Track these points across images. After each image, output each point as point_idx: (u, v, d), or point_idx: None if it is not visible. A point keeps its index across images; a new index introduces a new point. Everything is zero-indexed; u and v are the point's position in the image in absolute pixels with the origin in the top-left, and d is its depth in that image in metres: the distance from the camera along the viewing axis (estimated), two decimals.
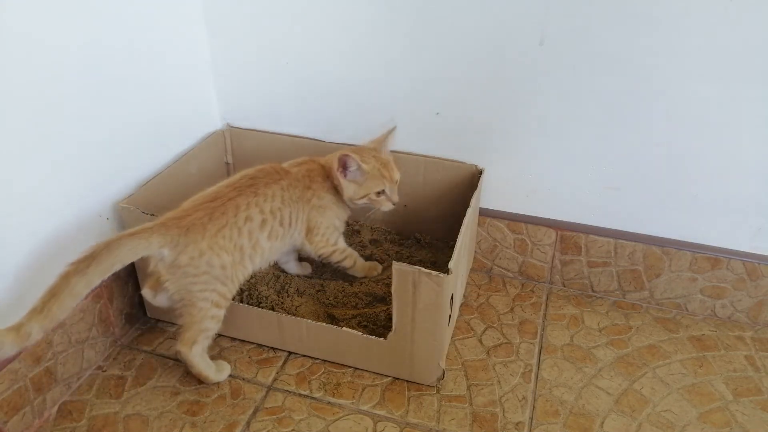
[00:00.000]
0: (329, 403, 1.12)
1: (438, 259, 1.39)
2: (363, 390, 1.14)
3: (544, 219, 1.36)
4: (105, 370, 1.18)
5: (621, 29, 1.12)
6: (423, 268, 1.01)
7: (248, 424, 1.08)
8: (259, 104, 1.46)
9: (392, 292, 1.05)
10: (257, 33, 1.36)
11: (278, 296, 1.28)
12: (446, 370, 1.16)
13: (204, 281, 1.04)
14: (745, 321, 1.31)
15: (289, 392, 1.14)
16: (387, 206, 1.23)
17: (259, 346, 1.23)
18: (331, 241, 1.25)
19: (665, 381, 1.17)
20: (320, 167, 1.23)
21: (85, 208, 1.13)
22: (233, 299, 1.14)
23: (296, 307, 1.26)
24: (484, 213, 1.39)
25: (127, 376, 1.17)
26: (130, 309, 1.27)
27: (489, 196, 1.37)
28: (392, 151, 1.37)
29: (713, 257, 1.26)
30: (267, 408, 1.11)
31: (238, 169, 1.46)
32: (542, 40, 1.17)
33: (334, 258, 1.28)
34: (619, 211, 1.30)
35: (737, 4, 1.04)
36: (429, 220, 1.44)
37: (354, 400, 1.12)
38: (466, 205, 1.19)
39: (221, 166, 1.51)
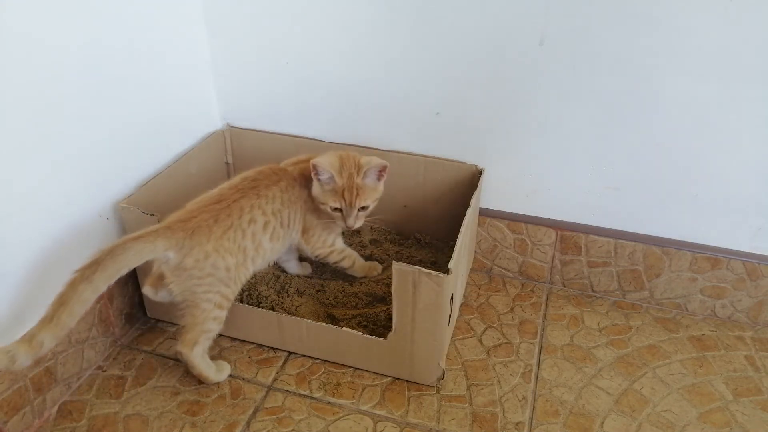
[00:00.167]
0: (329, 403, 1.12)
1: (438, 259, 1.39)
2: (363, 390, 1.14)
3: (544, 219, 1.36)
4: (105, 370, 1.18)
5: (621, 29, 1.12)
6: (423, 268, 1.01)
7: (248, 424, 1.08)
8: (259, 104, 1.46)
9: (392, 292, 1.05)
10: (257, 33, 1.36)
11: (278, 296, 1.28)
12: (446, 370, 1.16)
13: (208, 283, 1.04)
14: (745, 321, 1.31)
15: (289, 392, 1.14)
16: (341, 225, 1.18)
17: (259, 346, 1.23)
18: (328, 242, 1.25)
19: (665, 381, 1.17)
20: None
21: (85, 208, 1.13)
22: (234, 300, 1.14)
23: (296, 307, 1.26)
24: (484, 213, 1.39)
25: (127, 376, 1.17)
26: (130, 309, 1.27)
27: (489, 196, 1.37)
28: (392, 152, 1.37)
29: (713, 257, 1.27)
30: (267, 408, 1.11)
31: (238, 169, 1.47)
32: (542, 40, 1.17)
33: (332, 258, 1.28)
34: (619, 211, 1.30)
35: (737, 4, 1.04)
36: (429, 220, 1.44)
37: (354, 400, 1.12)
38: (466, 205, 1.19)
39: (221, 166, 1.51)
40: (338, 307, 1.27)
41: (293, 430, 1.07)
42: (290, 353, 1.22)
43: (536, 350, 1.24)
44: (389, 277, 1.08)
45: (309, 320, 1.16)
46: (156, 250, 0.98)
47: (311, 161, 1.12)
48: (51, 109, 1.02)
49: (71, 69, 1.04)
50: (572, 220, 1.34)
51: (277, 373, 1.18)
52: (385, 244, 1.45)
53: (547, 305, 1.36)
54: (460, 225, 1.13)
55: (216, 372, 1.14)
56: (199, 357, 1.10)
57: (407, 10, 1.23)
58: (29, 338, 0.87)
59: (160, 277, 1.07)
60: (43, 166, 1.02)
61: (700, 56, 1.10)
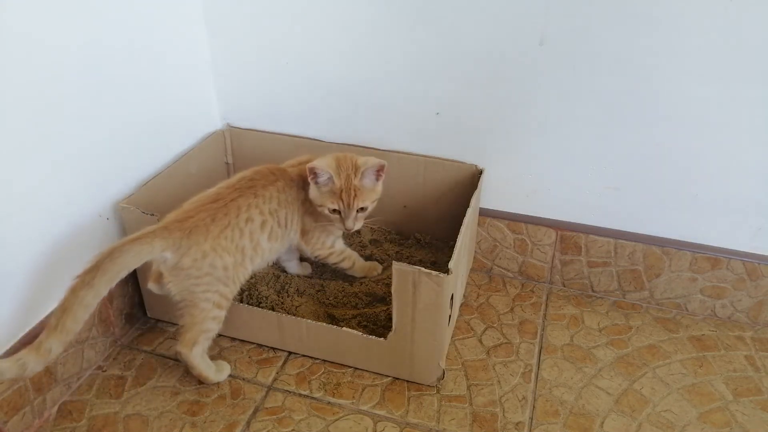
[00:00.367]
0: (329, 403, 1.12)
1: (438, 259, 1.39)
2: (363, 390, 1.14)
3: (544, 219, 1.36)
4: (105, 370, 1.18)
5: (621, 29, 1.12)
6: (423, 268, 1.01)
7: (248, 424, 1.08)
8: (259, 104, 1.46)
9: (392, 292, 1.05)
10: (257, 33, 1.36)
11: (278, 296, 1.28)
12: (446, 370, 1.16)
13: (206, 282, 1.04)
14: (745, 321, 1.31)
15: (289, 392, 1.14)
16: (340, 227, 1.17)
17: (259, 346, 1.23)
18: (327, 243, 1.25)
19: (665, 381, 1.17)
20: None
21: (85, 208, 1.13)
22: (233, 299, 1.14)
23: (296, 307, 1.26)
24: (484, 213, 1.39)
25: (127, 376, 1.17)
26: (130, 309, 1.27)
27: (489, 196, 1.37)
28: (392, 152, 1.37)
29: (713, 257, 1.27)
30: (267, 408, 1.11)
31: (238, 169, 1.47)
32: (542, 40, 1.17)
33: (331, 260, 1.28)
34: (619, 211, 1.30)
35: (737, 4, 1.04)
36: (429, 220, 1.44)
37: (354, 400, 1.12)
38: (466, 205, 1.19)
39: (221, 166, 1.51)
40: (338, 307, 1.27)
41: (293, 430, 1.07)
42: (290, 353, 1.22)
43: (536, 350, 1.24)
44: (389, 277, 1.08)
45: (309, 320, 1.16)
46: (153, 250, 0.98)
47: (308, 164, 1.12)
48: (51, 109, 1.02)
49: (71, 69, 1.04)
50: (572, 220, 1.34)
51: (277, 373, 1.18)
52: (385, 244, 1.45)
53: (547, 305, 1.36)
54: (460, 225, 1.13)
55: (216, 372, 1.14)
56: (198, 357, 1.10)
57: (407, 10, 1.23)
58: (37, 346, 0.89)
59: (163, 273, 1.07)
60: (43, 166, 1.02)
61: (700, 56, 1.10)
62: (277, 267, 1.37)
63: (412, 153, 1.38)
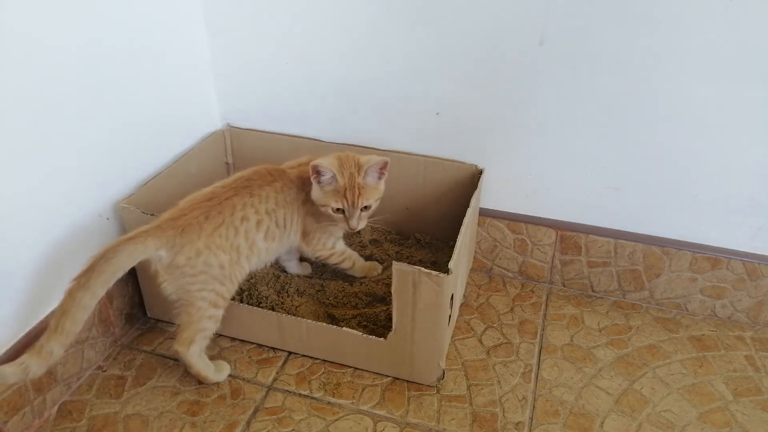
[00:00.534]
0: (329, 403, 1.12)
1: (438, 259, 1.39)
2: (363, 390, 1.14)
3: (544, 219, 1.36)
4: (105, 370, 1.18)
5: (621, 29, 1.12)
6: (423, 268, 1.01)
7: (248, 424, 1.08)
8: (259, 104, 1.46)
9: (392, 292, 1.05)
10: (257, 33, 1.36)
11: (278, 296, 1.28)
12: (446, 370, 1.16)
13: (202, 281, 1.04)
14: (745, 321, 1.31)
15: (289, 392, 1.14)
16: (343, 226, 1.17)
17: (259, 346, 1.23)
18: (328, 244, 1.25)
19: (665, 381, 1.17)
20: None
21: (85, 208, 1.13)
22: (233, 299, 1.14)
23: (296, 307, 1.26)
24: (484, 213, 1.39)
25: (127, 376, 1.17)
26: (130, 309, 1.27)
27: (489, 196, 1.37)
28: (392, 152, 1.37)
29: (713, 257, 1.26)
30: (267, 408, 1.11)
31: (238, 169, 1.46)
32: (542, 40, 1.17)
33: (332, 261, 1.28)
34: (619, 211, 1.30)
35: (737, 4, 1.04)
36: (429, 220, 1.44)
37: (354, 400, 1.12)
38: (466, 205, 1.19)
39: (221, 166, 1.51)
40: (338, 307, 1.27)
41: (293, 430, 1.07)
42: (290, 353, 1.22)
43: (536, 350, 1.24)
44: (389, 277, 1.08)
45: (309, 320, 1.16)
46: (147, 250, 0.98)
47: (311, 163, 1.11)
48: (51, 110, 1.02)
49: (71, 69, 1.04)
50: (572, 220, 1.34)
51: (277, 373, 1.18)
52: (385, 244, 1.45)
53: (547, 305, 1.36)
54: (460, 225, 1.13)
55: (215, 372, 1.14)
56: (196, 356, 1.10)
57: (407, 10, 1.23)
58: (38, 349, 0.90)
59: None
60: (43, 166, 1.02)
61: (700, 56, 1.10)
62: (277, 267, 1.37)
63: (412, 153, 1.38)
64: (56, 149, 1.04)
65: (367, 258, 1.39)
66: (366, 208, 1.16)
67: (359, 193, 1.13)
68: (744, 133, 1.15)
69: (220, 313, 1.09)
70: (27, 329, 1.04)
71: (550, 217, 1.35)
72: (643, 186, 1.25)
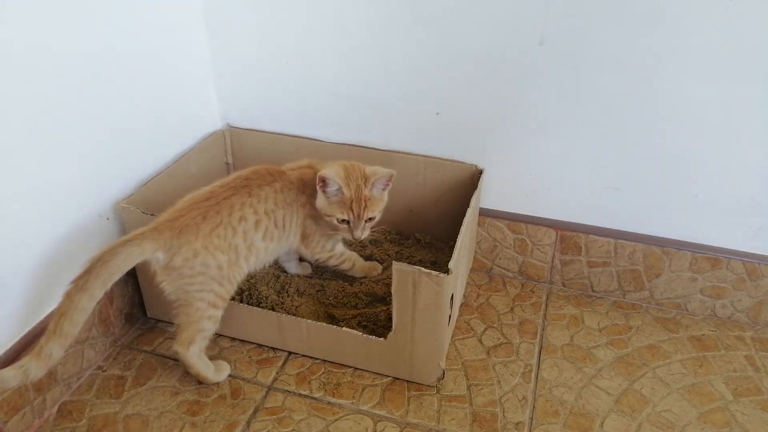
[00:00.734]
0: (329, 403, 1.12)
1: (438, 259, 1.39)
2: (363, 390, 1.14)
3: (544, 219, 1.36)
4: (105, 370, 1.18)
5: (621, 29, 1.12)
6: (423, 268, 1.01)
7: (248, 424, 1.08)
8: (259, 104, 1.46)
9: (392, 292, 1.05)
10: (257, 33, 1.36)
11: (278, 296, 1.28)
12: (446, 370, 1.16)
13: (200, 282, 1.04)
14: (745, 321, 1.31)
15: (289, 392, 1.14)
16: (347, 236, 1.18)
17: (259, 346, 1.23)
18: (327, 247, 1.25)
19: (665, 381, 1.17)
20: (317, 174, 1.22)
21: (85, 208, 1.13)
22: (233, 299, 1.14)
23: (296, 307, 1.26)
24: (484, 213, 1.39)
25: (127, 376, 1.17)
26: (130, 309, 1.27)
27: (489, 196, 1.37)
28: (392, 151, 1.37)
29: (713, 257, 1.27)
30: (267, 408, 1.11)
31: (238, 169, 1.46)
32: (542, 40, 1.17)
33: (331, 262, 1.28)
34: (619, 211, 1.30)
35: (737, 4, 1.04)
36: (429, 220, 1.44)
37: (354, 400, 1.12)
38: (466, 205, 1.19)
39: (221, 166, 1.51)
40: (338, 307, 1.27)
41: (293, 430, 1.07)
42: (290, 353, 1.22)
43: (536, 350, 1.24)
44: (389, 277, 1.08)
45: (309, 320, 1.16)
46: (144, 252, 0.98)
47: (318, 173, 1.11)
48: (51, 110, 1.02)
49: (71, 69, 1.04)
50: (572, 220, 1.34)
51: (277, 373, 1.18)
52: (385, 244, 1.45)
53: (547, 305, 1.36)
54: (460, 225, 1.13)
55: (215, 372, 1.14)
56: (195, 356, 1.10)
57: (407, 10, 1.23)
58: (38, 351, 0.90)
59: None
60: (43, 167, 1.02)
61: (700, 56, 1.10)
62: (277, 267, 1.37)
63: (412, 153, 1.37)
64: (56, 149, 1.04)
65: (367, 258, 1.39)
66: (371, 219, 1.16)
67: (365, 205, 1.13)
68: (744, 133, 1.15)
69: (219, 313, 1.09)
70: (27, 329, 1.04)
71: (550, 217, 1.35)
72: (643, 186, 1.25)
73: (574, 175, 1.29)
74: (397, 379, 1.16)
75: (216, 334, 1.14)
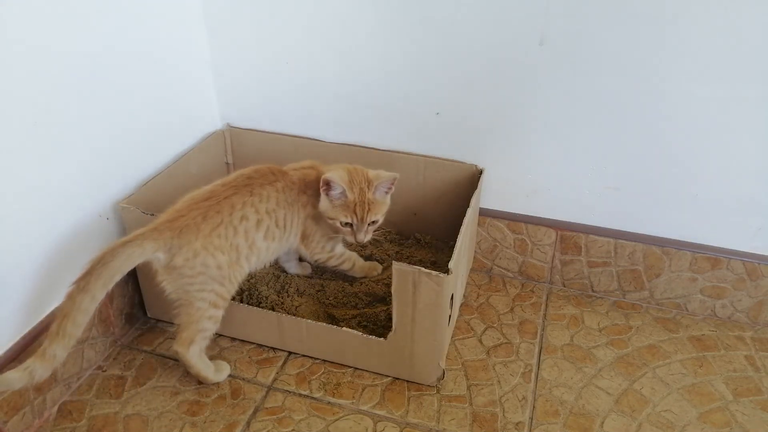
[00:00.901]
0: (329, 403, 1.12)
1: (438, 259, 1.39)
2: (363, 390, 1.14)
3: (544, 219, 1.36)
4: (105, 370, 1.18)
5: (621, 29, 1.12)
6: (423, 268, 1.01)
7: (248, 424, 1.08)
8: (259, 104, 1.46)
9: (392, 292, 1.05)
10: (257, 33, 1.36)
11: (278, 296, 1.28)
12: (446, 370, 1.16)
13: (201, 282, 1.04)
14: (745, 321, 1.31)
15: (289, 392, 1.14)
16: (349, 239, 1.18)
17: (259, 346, 1.23)
18: (327, 248, 1.25)
19: (665, 381, 1.17)
20: (319, 175, 1.22)
21: (85, 208, 1.13)
22: (233, 299, 1.14)
23: (296, 307, 1.26)
24: (484, 213, 1.39)
25: (127, 376, 1.17)
26: (130, 309, 1.27)
27: (489, 196, 1.37)
28: (392, 151, 1.37)
29: (713, 257, 1.27)
30: (267, 408, 1.11)
31: (237, 169, 1.46)
32: (542, 40, 1.17)
33: (331, 263, 1.28)
34: (619, 211, 1.30)
35: (737, 4, 1.04)
36: (429, 220, 1.44)
37: (354, 400, 1.12)
38: (466, 205, 1.19)
39: (221, 166, 1.51)
40: (338, 307, 1.27)
41: (293, 430, 1.07)
42: (290, 353, 1.22)
43: (536, 350, 1.24)
44: (389, 277, 1.08)
45: (309, 320, 1.16)
46: (144, 252, 0.98)
47: (323, 176, 1.11)
48: (51, 110, 1.02)
49: (71, 69, 1.04)
50: (572, 220, 1.34)
51: (277, 373, 1.18)
52: (385, 244, 1.45)
53: (547, 305, 1.36)
54: (460, 225, 1.13)
55: (215, 372, 1.14)
56: (196, 356, 1.10)
57: (407, 9, 1.23)
58: (42, 353, 0.91)
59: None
60: (43, 167, 1.02)
61: (701, 56, 1.10)
62: (277, 267, 1.37)
63: (412, 153, 1.38)
64: (56, 149, 1.04)
65: (367, 258, 1.39)
66: (373, 222, 1.17)
67: (369, 208, 1.14)
68: (744, 133, 1.15)
69: (220, 313, 1.09)
70: (27, 329, 1.04)
71: (550, 217, 1.35)
72: (643, 186, 1.25)
73: (574, 175, 1.29)
74: (397, 379, 1.16)
75: (216, 334, 1.14)
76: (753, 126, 1.13)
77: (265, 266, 1.20)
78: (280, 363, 1.20)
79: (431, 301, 1.04)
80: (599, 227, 1.33)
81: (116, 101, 1.16)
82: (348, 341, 1.14)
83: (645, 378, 1.17)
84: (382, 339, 1.12)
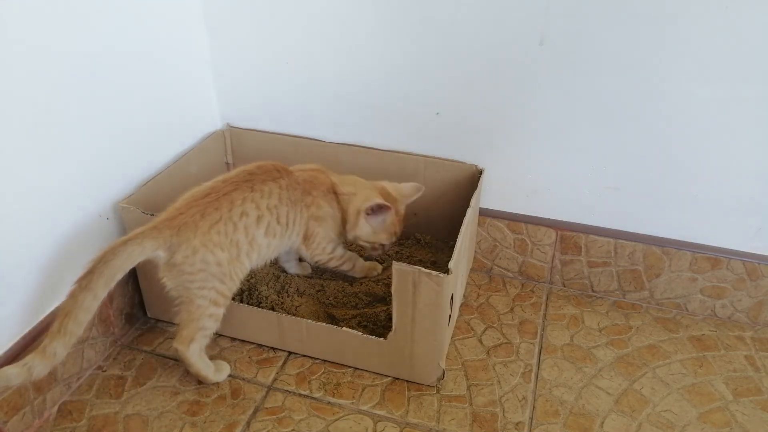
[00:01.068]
0: (329, 403, 1.12)
1: (438, 259, 1.39)
2: (363, 390, 1.14)
3: (544, 219, 1.36)
4: (105, 370, 1.18)
5: (621, 29, 1.12)
6: (423, 268, 1.01)
7: (248, 424, 1.08)
8: (259, 104, 1.46)
9: (392, 292, 1.05)
10: (257, 33, 1.36)
11: (278, 296, 1.28)
12: (446, 370, 1.16)
13: (201, 279, 1.04)
14: (745, 321, 1.31)
15: (289, 392, 1.14)
16: (376, 254, 1.29)
17: (259, 346, 1.23)
18: (327, 249, 1.25)
19: (665, 381, 1.17)
20: (327, 179, 1.22)
21: (85, 208, 1.13)
22: (233, 299, 1.14)
23: (296, 307, 1.26)
24: (484, 213, 1.39)
25: (127, 376, 1.17)
26: (130, 309, 1.27)
27: (489, 196, 1.37)
28: (392, 151, 1.38)
29: (713, 257, 1.27)
30: (267, 408, 1.11)
31: None
32: (542, 40, 1.17)
33: (331, 264, 1.28)
34: (619, 211, 1.30)
35: (737, 4, 1.04)
36: (429, 220, 1.44)
37: (354, 400, 1.12)
38: (466, 205, 1.19)
39: (221, 166, 1.51)
40: (338, 307, 1.27)
41: (293, 430, 1.07)
42: (290, 353, 1.22)
43: (536, 350, 1.24)
44: (389, 277, 1.08)
45: (309, 320, 1.16)
46: (145, 251, 0.99)
47: (376, 202, 1.17)
48: (51, 110, 1.02)
49: (71, 70, 1.04)
50: (572, 220, 1.34)
51: (277, 373, 1.18)
52: None
53: (547, 305, 1.36)
54: (460, 225, 1.13)
55: (215, 372, 1.14)
56: (196, 355, 1.09)
57: (407, 9, 1.23)
58: (42, 350, 0.91)
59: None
60: (43, 167, 1.02)
61: (700, 56, 1.10)
62: (277, 267, 1.37)
63: (412, 153, 1.38)
64: (56, 149, 1.04)
65: (367, 258, 1.39)
66: None
67: (400, 226, 1.22)
68: (744, 133, 1.15)
69: (220, 311, 1.09)
70: (28, 329, 1.04)
71: (550, 217, 1.35)
72: (643, 186, 1.25)
73: (574, 175, 1.29)
74: (397, 379, 1.16)
75: (216, 333, 1.14)
76: (753, 126, 1.13)
77: (266, 263, 1.20)
78: (280, 363, 1.20)
79: (431, 301, 1.04)
80: (599, 227, 1.33)
81: (116, 101, 1.16)
82: (348, 341, 1.14)
83: (645, 378, 1.17)
84: (382, 339, 1.12)
